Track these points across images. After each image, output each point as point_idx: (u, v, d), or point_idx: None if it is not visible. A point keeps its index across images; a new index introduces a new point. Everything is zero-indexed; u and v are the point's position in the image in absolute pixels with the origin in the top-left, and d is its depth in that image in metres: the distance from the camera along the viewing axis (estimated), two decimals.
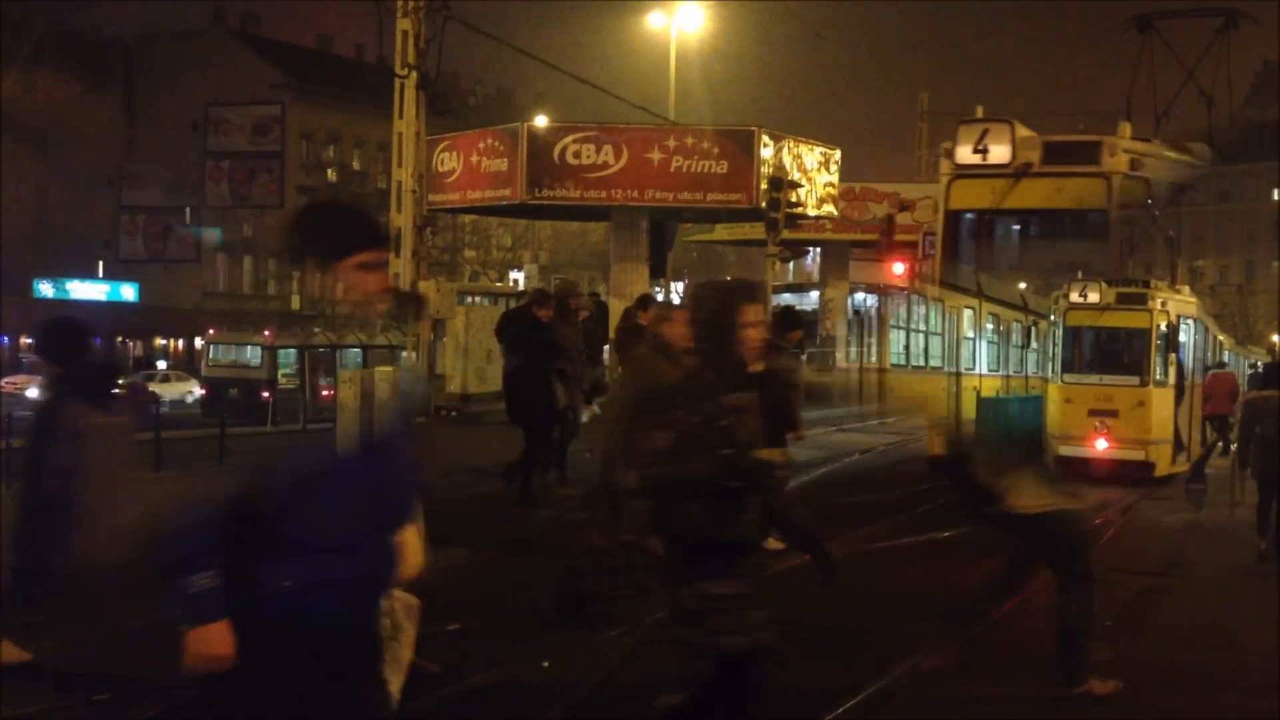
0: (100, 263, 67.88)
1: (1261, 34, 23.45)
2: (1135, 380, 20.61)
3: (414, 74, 19.86)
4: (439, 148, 25.19)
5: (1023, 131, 13.84)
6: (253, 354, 39.02)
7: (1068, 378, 21.16)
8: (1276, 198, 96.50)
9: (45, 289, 63.45)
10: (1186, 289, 24.92)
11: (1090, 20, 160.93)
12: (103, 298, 65.57)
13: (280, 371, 38.37)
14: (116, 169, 67.13)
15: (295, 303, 67.63)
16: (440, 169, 24.81)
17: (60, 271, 64.75)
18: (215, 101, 65.94)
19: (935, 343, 21.97)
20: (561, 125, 21.43)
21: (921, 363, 20.36)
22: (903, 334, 31.06)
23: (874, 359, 32.50)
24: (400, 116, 20.04)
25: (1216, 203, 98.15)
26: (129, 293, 66.54)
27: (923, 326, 20.42)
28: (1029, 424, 24.57)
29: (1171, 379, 20.65)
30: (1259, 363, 53.42)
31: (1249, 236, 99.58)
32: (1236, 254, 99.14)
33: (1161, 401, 20.54)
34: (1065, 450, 21.08)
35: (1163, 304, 21.01)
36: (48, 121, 53.64)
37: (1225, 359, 34.59)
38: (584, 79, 25.39)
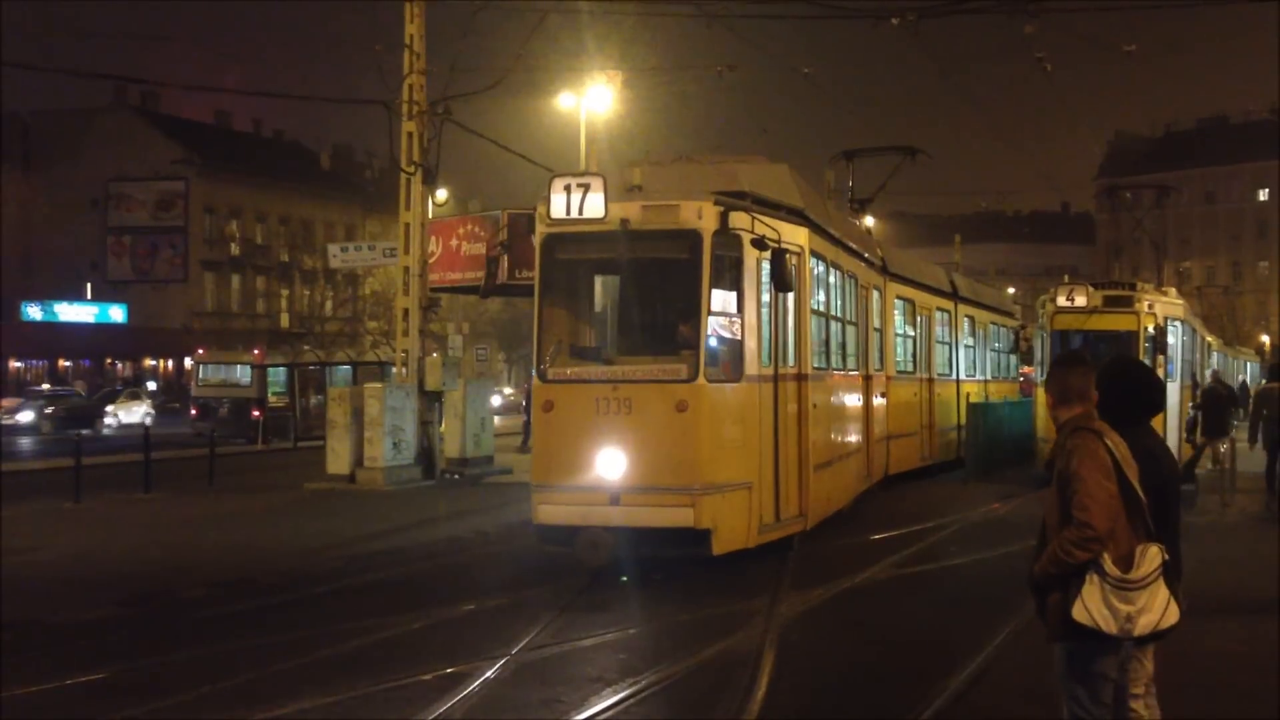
0: (88, 284, 67.71)
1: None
2: None
3: (419, 170, 21.47)
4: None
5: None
6: (242, 373, 38.91)
7: None
8: (1262, 199, 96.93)
9: (33, 312, 63.25)
10: (1173, 291, 24.95)
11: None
12: (91, 319, 65.40)
13: (270, 390, 38.26)
14: (103, 191, 67.09)
15: (284, 320, 67.58)
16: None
17: (48, 294, 64.58)
18: (117, 177, 66.20)
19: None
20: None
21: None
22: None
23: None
24: (407, 208, 21.81)
25: (1202, 204, 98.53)
26: (117, 314, 66.37)
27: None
28: (1019, 428, 24.67)
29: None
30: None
31: (1234, 237, 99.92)
32: (1223, 255, 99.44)
33: None
34: (1049, 453, 21.07)
35: (1149, 306, 21.06)
36: None
37: (1214, 360, 34.66)
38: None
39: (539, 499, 11.67)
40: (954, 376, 23.98)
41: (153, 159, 66.62)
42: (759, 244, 11.76)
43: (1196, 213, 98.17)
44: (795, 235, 12.83)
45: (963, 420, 23.52)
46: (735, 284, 11.92)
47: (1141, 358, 20.66)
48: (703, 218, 11.55)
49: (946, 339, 23.63)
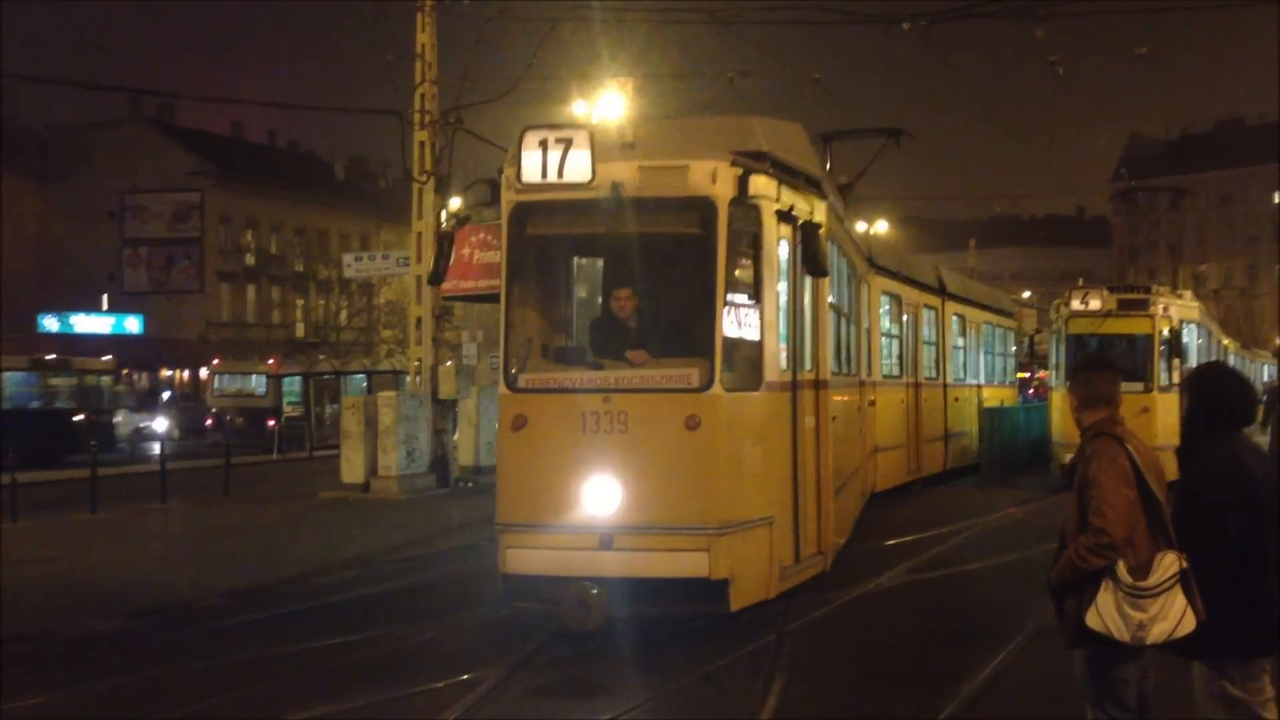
0: (105, 296, 68.02)
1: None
2: (1140, 386, 20.57)
3: (432, 180, 21.55)
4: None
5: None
6: (258, 383, 39.11)
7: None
8: (1278, 200, 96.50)
9: (50, 323, 63.55)
10: (1188, 293, 24.88)
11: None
12: (108, 330, 65.69)
13: (285, 399, 38.42)
14: (119, 202, 67.44)
15: (300, 330, 67.79)
16: None
17: (65, 306, 64.88)
18: (133, 189, 66.48)
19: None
20: None
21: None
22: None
23: None
24: (419, 217, 21.89)
25: (1218, 207, 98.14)
26: (134, 325, 66.64)
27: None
28: (1034, 433, 24.60)
29: (1176, 384, 20.61)
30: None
31: (1251, 240, 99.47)
32: (1240, 257, 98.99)
33: (1167, 407, 20.47)
34: (1071, 458, 20.98)
35: (1165, 309, 21.00)
36: None
37: (1230, 363, 34.51)
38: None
39: (507, 542, 9.32)
40: (941, 381, 22.22)
41: (168, 171, 66.92)
42: (786, 217, 9.61)
43: (1213, 215, 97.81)
44: (816, 210, 10.50)
45: (950, 429, 22.45)
46: (754, 267, 9.54)
47: (1156, 360, 20.61)
48: (718, 181, 9.13)
49: (934, 339, 21.91)
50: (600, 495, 8.86)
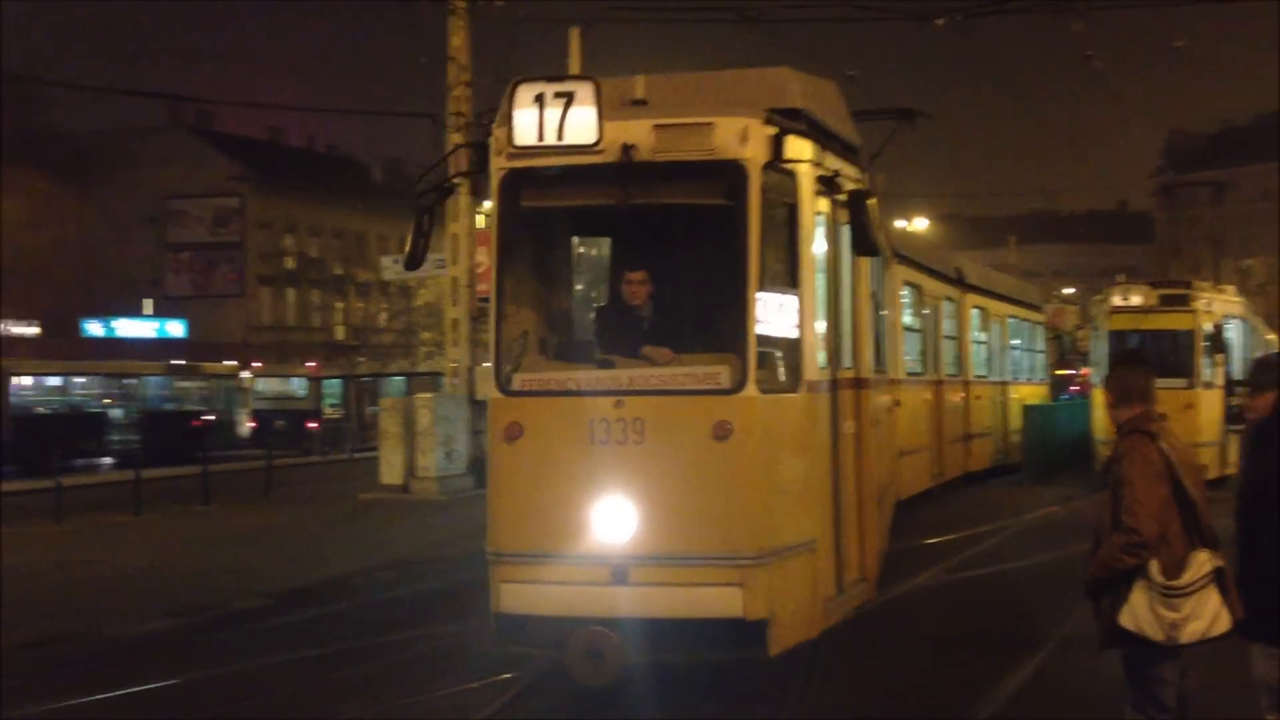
0: (149, 301, 68.74)
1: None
2: (1182, 383, 20.33)
3: (467, 182, 21.12)
4: None
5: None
6: (298, 385, 39.49)
7: None
8: None
9: (94, 328, 64.29)
10: (1231, 288, 24.62)
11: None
12: (152, 334, 66.37)
13: (325, 401, 38.77)
14: (160, 207, 68.16)
15: (339, 333, 68.29)
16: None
17: (107, 310, 65.64)
18: (174, 194, 67.14)
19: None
20: None
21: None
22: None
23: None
24: (455, 219, 21.96)
25: (1263, 201, 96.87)
26: (177, 329, 67.31)
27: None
28: (1075, 430, 24.41)
29: (1219, 380, 20.41)
30: None
31: None
32: None
33: (1209, 403, 20.30)
34: (1108, 455, 20.73)
35: (1207, 304, 20.80)
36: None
37: None
38: None
39: (502, 575, 7.57)
40: (963, 378, 20.77)
41: (208, 176, 67.54)
42: (830, 185, 8.18)
43: (1257, 209, 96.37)
44: (861, 181, 8.93)
45: (972, 430, 21.27)
46: (790, 245, 7.94)
47: (1199, 356, 20.41)
48: (748, 142, 7.52)
49: (954, 334, 20.49)
50: (612, 519, 7.34)
